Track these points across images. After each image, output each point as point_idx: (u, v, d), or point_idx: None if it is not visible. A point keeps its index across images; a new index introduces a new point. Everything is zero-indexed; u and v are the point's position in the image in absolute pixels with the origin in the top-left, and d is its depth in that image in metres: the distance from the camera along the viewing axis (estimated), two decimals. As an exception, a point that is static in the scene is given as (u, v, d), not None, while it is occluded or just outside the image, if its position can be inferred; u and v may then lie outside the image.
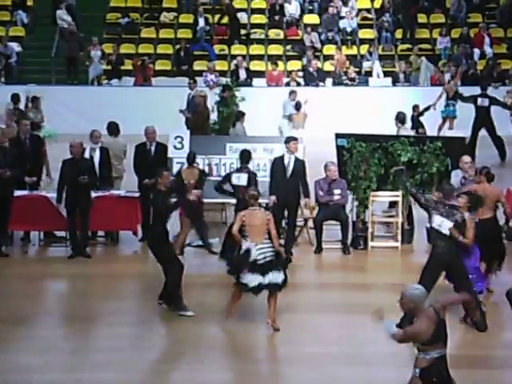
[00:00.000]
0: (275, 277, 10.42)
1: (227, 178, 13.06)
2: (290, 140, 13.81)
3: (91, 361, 9.53)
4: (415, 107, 20.04)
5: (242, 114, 17.74)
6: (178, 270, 10.92)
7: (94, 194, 13.79)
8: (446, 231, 10.27)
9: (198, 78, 22.77)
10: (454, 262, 10.32)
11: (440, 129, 22.14)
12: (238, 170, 13.00)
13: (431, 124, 21.06)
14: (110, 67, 26.13)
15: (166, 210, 11.10)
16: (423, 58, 25.83)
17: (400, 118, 16.25)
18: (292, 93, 21.48)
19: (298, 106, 20.76)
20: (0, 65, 26.55)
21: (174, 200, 11.25)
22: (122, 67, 26.31)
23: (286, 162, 13.69)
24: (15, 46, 26.90)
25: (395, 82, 25.74)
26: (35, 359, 9.47)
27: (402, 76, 25.68)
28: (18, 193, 13.70)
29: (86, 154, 14.20)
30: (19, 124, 14.63)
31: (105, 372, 9.14)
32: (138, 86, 25.60)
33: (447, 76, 24.85)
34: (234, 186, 12.83)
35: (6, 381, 9.05)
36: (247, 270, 10.35)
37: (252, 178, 12.80)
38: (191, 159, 13.44)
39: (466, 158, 13.00)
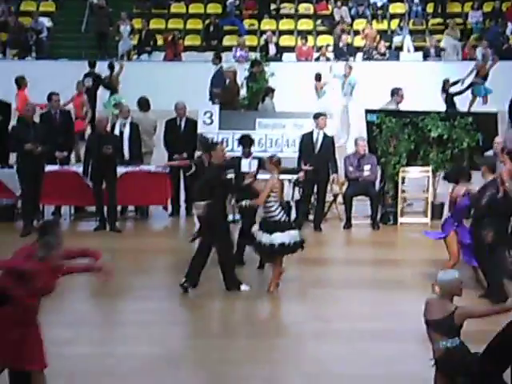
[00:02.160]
0: (295, 235, 10.73)
1: (234, 165, 12.28)
2: (318, 116, 13.79)
3: (121, 335, 9.61)
4: (446, 82, 19.87)
5: (272, 90, 17.70)
6: (232, 249, 11.03)
7: (123, 169, 13.88)
8: None
9: (227, 53, 22.77)
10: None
11: (471, 105, 21.97)
12: (246, 156, 12.37)
13: (462, 100, 20.90)
14: (139, 42, 26.17)
15: (221, 184, 10.95)
16: (447, 34, 25.59)
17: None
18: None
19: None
20: (31, 40, 26.68)
21: (229, 176, 11.26)
22: (152, 42, 26.33)
23: (314, 137, 13.68)
24: (46, 21, 27.02)
25: (426, 57, 25.55)
26: (66, 332, 9.56)
27: (432, 51, 25.48)
28: (48, 168, 13.80)
29: (116, 130, 14.28)
30: (50, 99, 14.70)
31: (135, 346, 9.22)
32: (168, 61, 25.62)
33: (479, 51, 24.62)
34: (242, 173, 12.14)
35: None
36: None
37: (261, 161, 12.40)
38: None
39: (497, 139, 12.97)
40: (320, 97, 20.48)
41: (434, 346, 7.04)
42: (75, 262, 7.21)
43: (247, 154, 12.32)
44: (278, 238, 10.65)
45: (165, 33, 26.34)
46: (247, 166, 12.25)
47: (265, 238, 10.66)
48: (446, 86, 19.75)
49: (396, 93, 15.49)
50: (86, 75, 20.70)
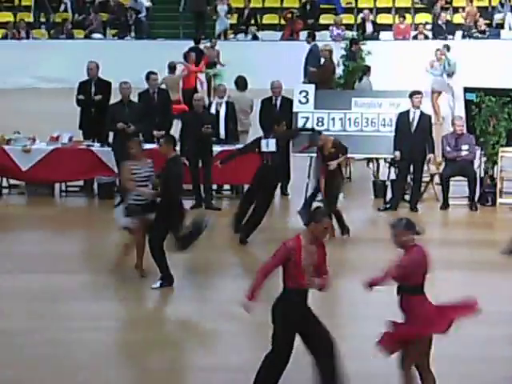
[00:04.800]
0: None
1: (256, 143, 12.45)
2: (413, 94, 13.63)
3: (217, 312, 9.71)
4: None
5: (369, 69, 17.56)
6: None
7: (219, 148, 13.98)
8: None
9: (324, 32, 22.65)
10: None
11: None
12: (266, 136, 12.36)
13: None
14: (238, 22, 26.30)
15: None
16: None
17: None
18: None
19: None
20: (130, 20, 27.07)
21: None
22: (252, 21, 26.42)
23: (411, 116, 13.53)
24: (145, 1, 27.36)
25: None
26: (160, 308, 9.71)
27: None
28: (146, 146, 13.99)
29: (213, 108, 14.39)
30: (148, 78, 14.90)
31: (230, 323, 9.30)
32: (285, 40, 25.62)
33: None
34: (261, 152, 12.33)
35: (133, 328, 9.34)
36: None
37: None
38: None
39: None
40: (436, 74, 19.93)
41: None
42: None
43: (271, 133, 12.28)
44: None
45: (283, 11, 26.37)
46: (265, 146, 12.25)
47: None
48: None
49: None
50: (190, 49, 21.23)
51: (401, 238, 7.16)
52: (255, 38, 26.35)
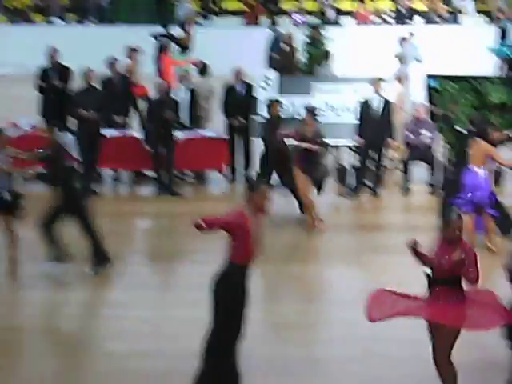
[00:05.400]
0: None
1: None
2: (376, 80, 13.69)
3: (181, 298, 9.71)
4: None
5: (330, 54, 17.58)
6: None
7: (182, 135, 13.96)
8: None
9: (285, 18, 22.63)
10: None
11: None
12: None
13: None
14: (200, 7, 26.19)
15: None
16: None
17: None
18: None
19: None
20: (91, 4, 26.83)
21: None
22: (212, 7, 26.33)
23: (373, 103, 13.58)
24: (105, -14, 27.12)
25: (489, 21, 25.11)
26: (124, 295, 9.72)
27: (495, 14, 25.02)
28: (107, 132, 13.93)
29: (175, 95, 14.34)
30: (110, 65, 14.80)
31: (193, 309, 9.31)
32: (248, 24, 25.52)
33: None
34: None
35: (97, 315, 9.34)
36: None
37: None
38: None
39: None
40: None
41: None
42: None
43: None
44: None
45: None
46: None
47: None
48: None
49: None
50: (161, 35, 21.09)
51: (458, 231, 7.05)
52: (215, 24, 26.26)
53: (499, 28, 22.57)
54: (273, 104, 12.92)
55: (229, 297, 7.00)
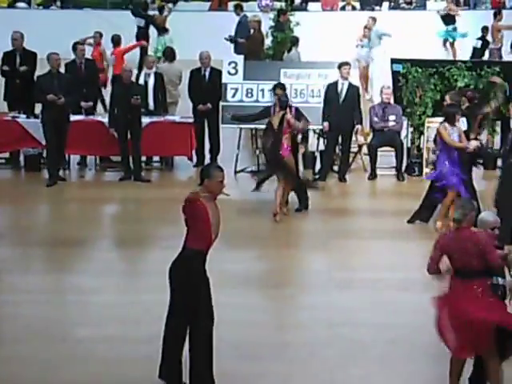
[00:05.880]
0: None
1: (267, 112, 12.27)
2: (341, 65, 13.70)
3: (146, 284, 9.69)
4: (484, 29, 19.70)
5: (297, 40, 17.58)
6: None
7: (148, 120, 13.91)
8: None
9: (252, 3, 22.56)
10: None
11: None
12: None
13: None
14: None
15: None
16: None
17: None
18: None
19: None
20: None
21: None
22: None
23: (339, 88, 13.60)
24: (70, -30, 26.85)
25: (456, 6, 25.18)
26: (91, 281, 9.68)
27: (462, 0, 25.15)
28: (74, 118, 13.84)
29: (141, 80, 14.28)
30: (75, 49, 14.69)
31: (161, 295, 9.30)
32: (213, 10, 25.40)
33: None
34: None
35: (64, 301, 9.29)
36: None
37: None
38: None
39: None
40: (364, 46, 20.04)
41: None
42: None
43: None
44: None
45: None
46: None
47: None
48: (484, 32, 19.53)
49: None
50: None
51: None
52: (182, 8, 26.11)
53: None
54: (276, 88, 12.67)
55: (186, 282, 6.97)
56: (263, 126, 12.33)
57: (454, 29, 22.48)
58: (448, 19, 22.44)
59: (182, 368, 7.15)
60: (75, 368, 7.71)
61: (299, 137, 12.40)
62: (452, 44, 22.54)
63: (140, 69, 17.94)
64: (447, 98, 12.34)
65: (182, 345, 7.13)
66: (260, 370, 7.61)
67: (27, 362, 7.81)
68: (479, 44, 21.22)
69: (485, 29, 20.65)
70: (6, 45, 14.93)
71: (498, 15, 21.47)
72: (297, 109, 12.26)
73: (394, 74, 14.46)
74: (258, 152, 13.94)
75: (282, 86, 12.76)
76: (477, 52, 21.34)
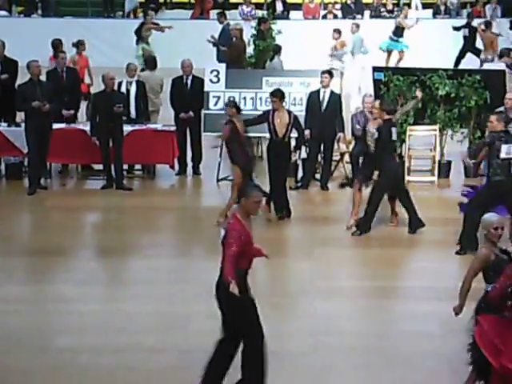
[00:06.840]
0: None
1: (264, 117, 12.39)
2: (323, 73, 13.75)
3: (130, 293, 9.66)
4: (470, 15, 19.84)
5: (279, 48, 17.59)
6: None
7: (130, 128, 13.88)
8: None
9: (234, 11, 22.53)
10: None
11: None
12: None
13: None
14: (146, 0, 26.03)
15: None
16: None
17: None
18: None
19: None
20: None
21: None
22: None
23: (321, 96, 13.63)
24: (51, -22, 26.77)
25: (435, 14, 25.30)
26: (75, 290, 9.63)
27: (442, 8, 25.23)
28: (55, 126, 13.79)
29: (123, 88, 14.25)
30: (56, 57, 14.64)
31: (144, 304, 9.27)
32: (194, 19, 25.40)
33: (488, 8, 24.42)
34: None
35: (47, 311, 9.23)
36: None
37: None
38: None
39: (509, 95, 12.88)
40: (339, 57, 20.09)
41: None
42: None
43: None
44: None
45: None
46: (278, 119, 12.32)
47: None
48: (470, 20, 19.60)
49: (507, 54, 15.66)
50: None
51: None
52: (164, 16, 26.09)
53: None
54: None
55: (231, 304, 6.99)
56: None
57: (397, 40, 22.48)
58: (398, 31, 22.47)
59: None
60: (57, 378, 7.67)
61: (292, 144, 12.47)
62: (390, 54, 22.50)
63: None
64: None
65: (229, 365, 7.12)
66: (243, 378, 7.57)
67: (8, 371, 7.76)
68: (467, 32, 21.29)
69: (470, 14, 20.61)
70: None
71: (489, 26, 21.25)
72: (295, 117, 12.29)
73: (376, 82, 14.51)
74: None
75: (275, 94, 12.47)
76: (468, 40, 21.41)
